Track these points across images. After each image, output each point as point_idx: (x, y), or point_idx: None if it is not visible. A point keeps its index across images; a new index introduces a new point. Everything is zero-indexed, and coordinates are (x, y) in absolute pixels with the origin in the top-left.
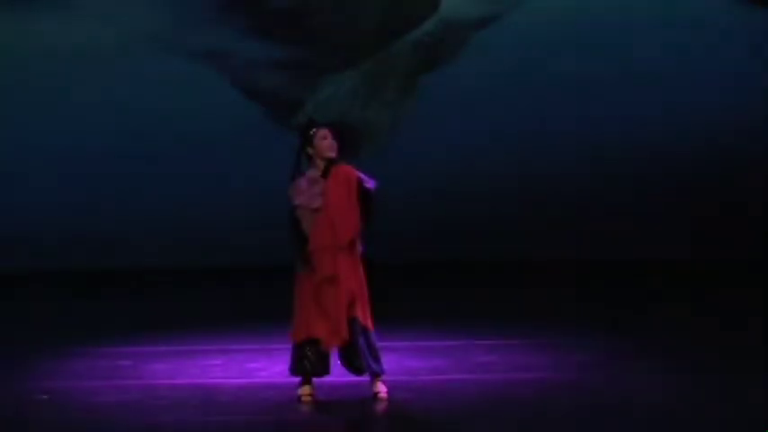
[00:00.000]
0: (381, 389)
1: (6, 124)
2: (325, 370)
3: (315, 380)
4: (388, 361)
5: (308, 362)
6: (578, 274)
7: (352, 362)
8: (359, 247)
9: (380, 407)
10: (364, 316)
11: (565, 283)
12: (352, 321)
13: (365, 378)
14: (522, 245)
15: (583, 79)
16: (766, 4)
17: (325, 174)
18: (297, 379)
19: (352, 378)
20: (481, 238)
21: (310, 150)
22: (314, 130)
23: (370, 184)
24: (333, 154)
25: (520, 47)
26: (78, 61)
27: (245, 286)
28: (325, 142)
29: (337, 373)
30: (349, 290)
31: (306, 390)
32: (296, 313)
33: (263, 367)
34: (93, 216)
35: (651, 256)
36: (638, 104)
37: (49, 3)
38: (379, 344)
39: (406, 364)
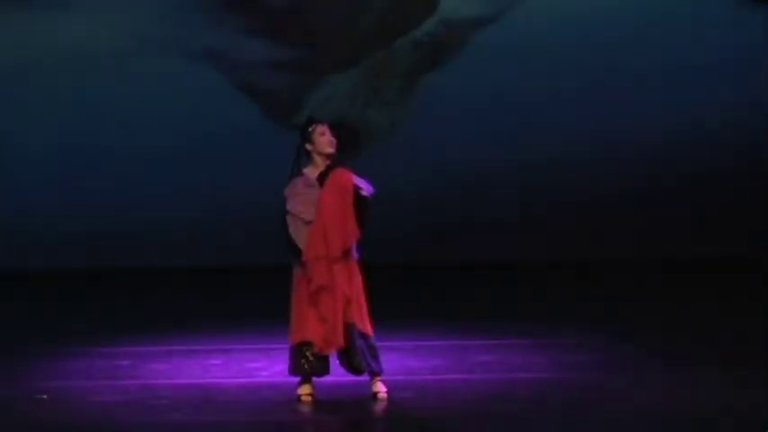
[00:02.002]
0: (381, 388)
1: (5, 124)
2: (324, 370)
3: (315, 379)
4: (388, 361)
5: (306, 362)
6: (578, 274)
7: (351, 361)
8: (354, 254)
9: (380, 407)
10: (362, 322)
11: (564, 284)
12: (349, 327)
13: (365, 378)
14: (522, 245)
15: (583, 79)
16: (766, 3)
17: (323, 177)
18: (297, 379)
19: (352, 378)
20: (481, 238)
21: (309, 147)
22: (313, 126)
23: (367, 191)
24: (332, 149)
25: (520, 47)
26: (77, 61)
27: (245, 286)
28: (324, 138)
29: (337, 373)
30: (345, 297)
31: (306, 389)
32: (293, 314)
33: (263, 367)
34: (92, 216)
35: (651, 255)
36: (638, 104)
37: (47, 3)
38: (378, 344)
39: (406, 364)
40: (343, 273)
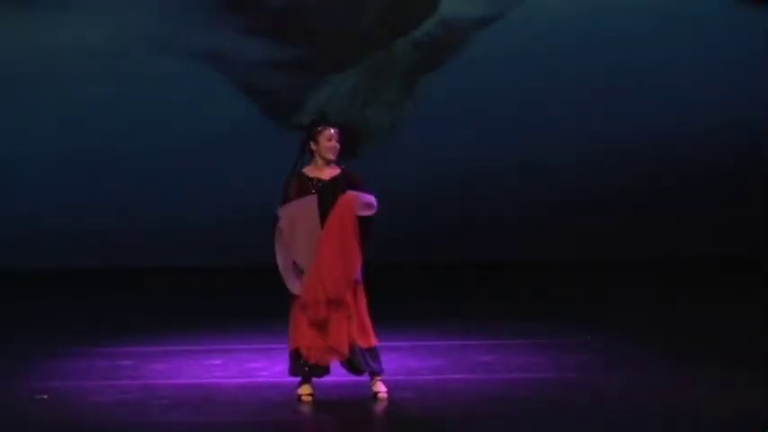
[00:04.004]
0: (381, 388)
1: (4, 124)
2: (324, 371)
3: (315, 379)
4: (388, 361)
5: (306, 364)
6: (577, 274)
7: (351, 362)
8: (358, 277)
9: (380, 407)
10: (366, 340)
11: (565, 284)
12: (351, 347)
13: (365, 378)
14: (522, 245)
15: (583, 79)
16: (766, 3)
17: (325, 200)
18: (297, 378)
19: (352, 378)
20: (481, 238)
21: (313, 146)
22: (321, 127)
23: (370, 209)
24: (332, 156)
25: (520, 47)
26: (77, 61)
27: (245, 286)
28: (329, 144)
29: (337, 373)
30: (349, 316)
31: (306, 389)
32: (292, 318)
33: (263, 367)
34: (93, 216)
35: (651, 255)
36: (638, 104)
37: (47, 3)
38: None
39: (406, 364)
40: (346, 296)
